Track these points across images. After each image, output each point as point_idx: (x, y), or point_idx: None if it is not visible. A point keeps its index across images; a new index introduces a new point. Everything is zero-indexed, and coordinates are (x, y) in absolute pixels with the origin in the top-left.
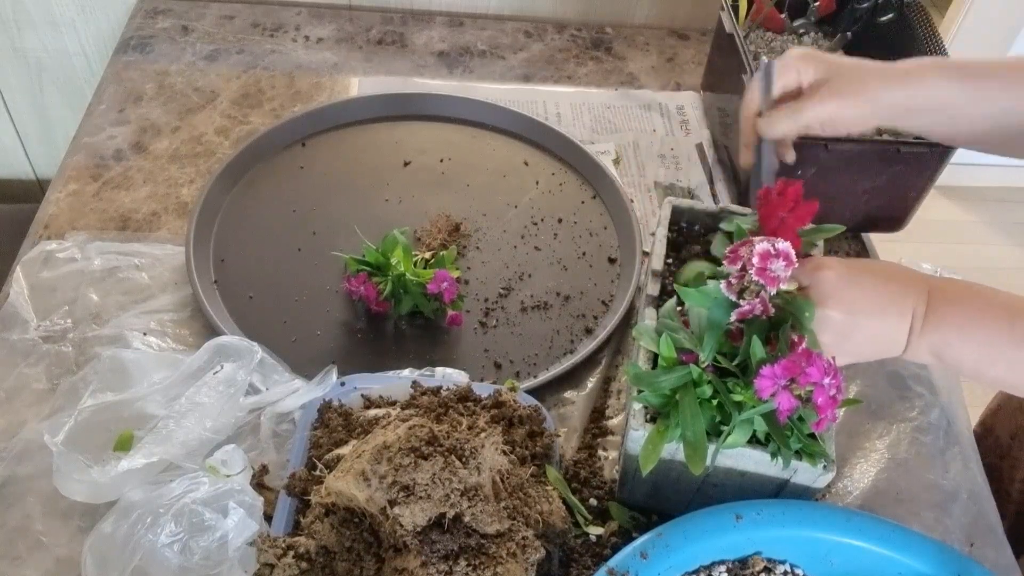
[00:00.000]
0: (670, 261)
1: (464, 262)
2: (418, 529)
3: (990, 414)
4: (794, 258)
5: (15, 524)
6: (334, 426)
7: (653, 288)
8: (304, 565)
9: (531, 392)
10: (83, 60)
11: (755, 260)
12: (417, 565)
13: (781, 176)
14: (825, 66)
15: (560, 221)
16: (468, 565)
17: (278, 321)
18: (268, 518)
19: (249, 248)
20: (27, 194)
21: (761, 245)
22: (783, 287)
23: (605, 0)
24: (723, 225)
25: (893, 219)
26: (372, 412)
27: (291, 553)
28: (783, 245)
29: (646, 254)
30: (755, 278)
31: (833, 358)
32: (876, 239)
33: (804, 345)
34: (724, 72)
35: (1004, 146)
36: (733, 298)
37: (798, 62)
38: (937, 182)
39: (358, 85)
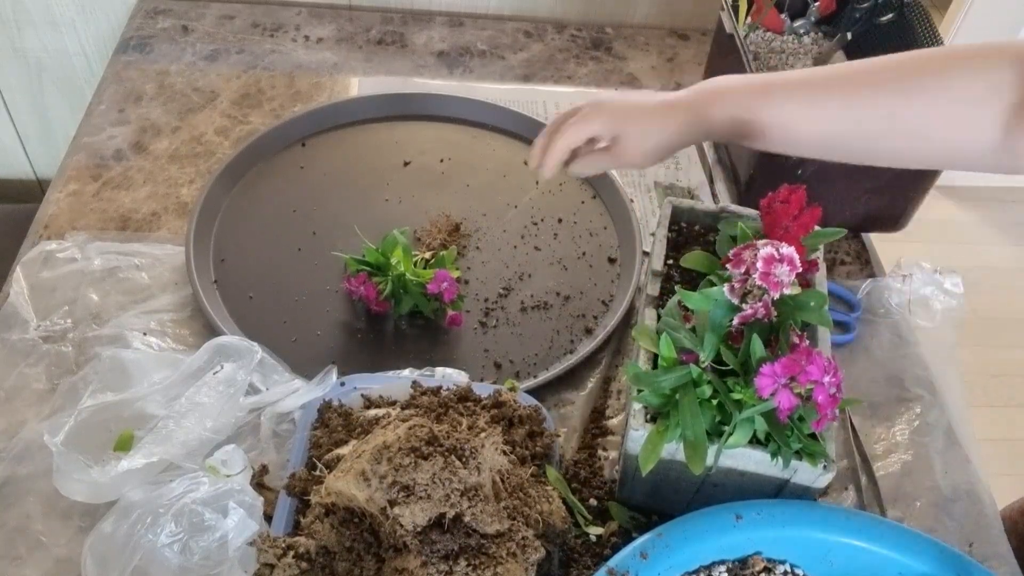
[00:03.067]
0: (670, 261)
1: (464, 262)
2: (418, 529)
3: None
4: (798, 263)
5: (15, 524)
6: (334, 426)
7: (653, 288)
8: (304, 565)
9: (531, 392)
10: (83, 60)
11: (759, 265)
12: (417, 565)
13: (781, 179)
14: (612, 124)
15: (560, 221)
16: (468, 565)
17: (278, 321)
18: (268, 518)
19: (249, 248)
20: (27, 194)
21: (766, 249)
22: (786, 292)
23: (605, 0)
24: (723, 227)
25: (893, 219)
26: (372, 412)
27: (291, 553)
28: (787, 250)
29: (646, 254)
30: (759, 282)
31: (832, 359)
32: (876, 239)
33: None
34: (724, 72)
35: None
36: (736, 302)
37: (594, 121)
38: (937, 182)
39: (358, 85)
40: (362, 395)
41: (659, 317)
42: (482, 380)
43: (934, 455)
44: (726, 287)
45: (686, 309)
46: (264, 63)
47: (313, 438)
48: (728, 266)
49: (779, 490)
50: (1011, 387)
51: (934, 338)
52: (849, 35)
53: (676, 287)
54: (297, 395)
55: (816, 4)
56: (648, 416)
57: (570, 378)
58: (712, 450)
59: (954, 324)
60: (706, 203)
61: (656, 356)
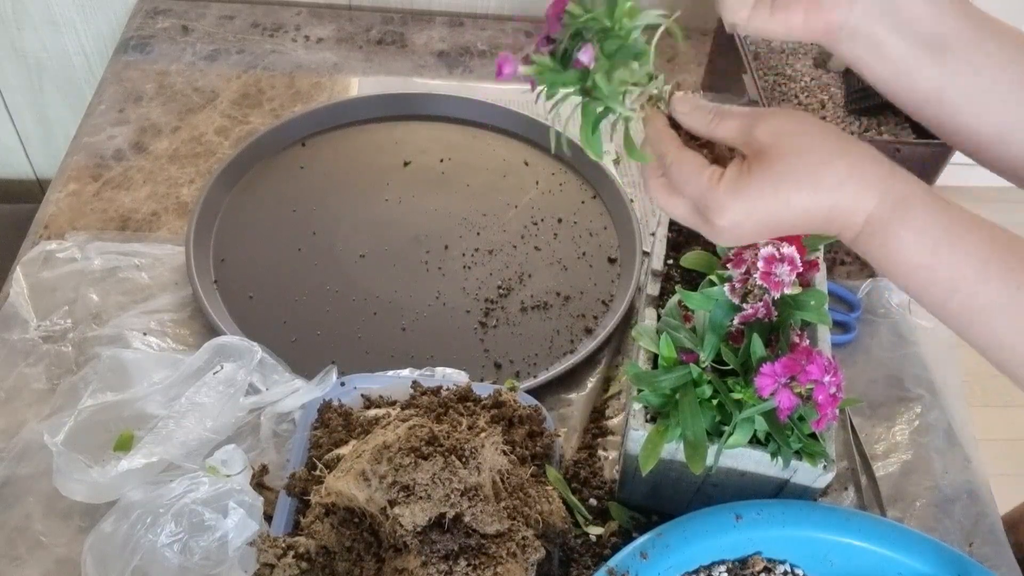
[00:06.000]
0: (670, 261)
1: (464, 262)
2: (418, 529)
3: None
4: (799, 263)
5: (15, 524)
6: (334, 426)
7: (653, 288)
8: (304, 565)
9: (531, 392)
10: (83, 60)
11: (760, 264)
12: (417, 565)
13: None
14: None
15: (560, 221)
16: (468, 565)
17: (278, 321)
18: (268, 518)
19: (249, 248)
20: (27, 194)
21: (766, 249)
22: (786, 291)
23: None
24: None
25: None
26: (372, 412)
27: (291, 553)
28: (788, 250)
29: (646, 254)
30: (759, 282)
31: (832, 359)
32: None
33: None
34: (724, 72)
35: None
36: (736, 301)
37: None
38: (937, 182)
39: (358, 85)
40: (362, 395)
41: (659, 317)
42: (482, 380)
43: (934, 455)
44: (726, 287)
45: (686, 309)
46: (264, 63)
47: (313, 438)
48: (728, 266)
49: (779, 490)
50: (1011, 387)
51: (934, 338)
52: None
53: (676, 287)
54: (297, 395)
55: None
56: (648, 416)
57: (570, 378)
58: (712, 450)
59: None
60: None
61: (656, 356)
